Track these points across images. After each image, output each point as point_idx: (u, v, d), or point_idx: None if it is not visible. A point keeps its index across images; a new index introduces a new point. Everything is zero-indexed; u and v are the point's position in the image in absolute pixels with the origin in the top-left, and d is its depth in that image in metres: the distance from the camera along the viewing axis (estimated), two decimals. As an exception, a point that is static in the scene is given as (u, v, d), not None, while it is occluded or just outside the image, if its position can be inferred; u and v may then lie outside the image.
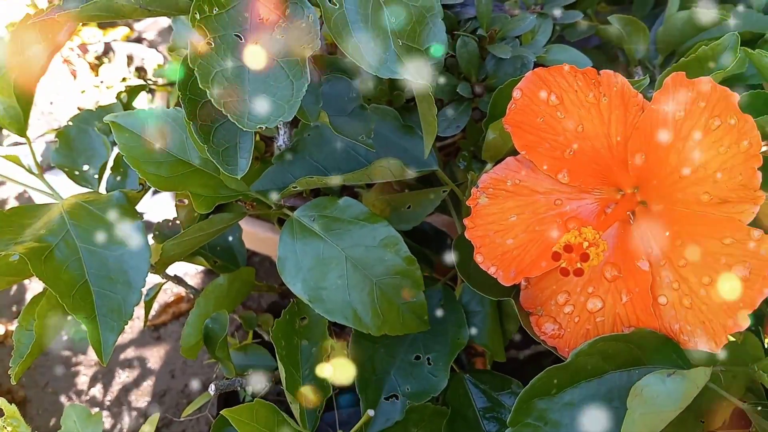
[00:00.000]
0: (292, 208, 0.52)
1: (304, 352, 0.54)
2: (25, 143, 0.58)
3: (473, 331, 0.55)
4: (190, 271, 1.14)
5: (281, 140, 0.53)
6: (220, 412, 0.46)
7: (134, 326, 1.12)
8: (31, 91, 0.56)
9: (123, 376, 1.06)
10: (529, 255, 0.44)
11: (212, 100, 0.37)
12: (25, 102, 0.56)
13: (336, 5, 0.41)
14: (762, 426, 0.41)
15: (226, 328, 0.56)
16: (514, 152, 0.45)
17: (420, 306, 0.51)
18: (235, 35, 0.39)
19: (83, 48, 1.23)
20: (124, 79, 1.22)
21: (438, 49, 0.44)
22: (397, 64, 0.42)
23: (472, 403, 0.54)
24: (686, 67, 0.46)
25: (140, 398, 1.04)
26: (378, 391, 0.53)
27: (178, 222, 0.64)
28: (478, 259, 0.45)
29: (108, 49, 1.27)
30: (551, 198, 0.44)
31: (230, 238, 0.67)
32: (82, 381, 1.06)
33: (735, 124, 0.34)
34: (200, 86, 0.37)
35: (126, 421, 1.02)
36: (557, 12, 0.57)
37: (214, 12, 0.39)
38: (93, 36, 1.28)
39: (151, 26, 1.45)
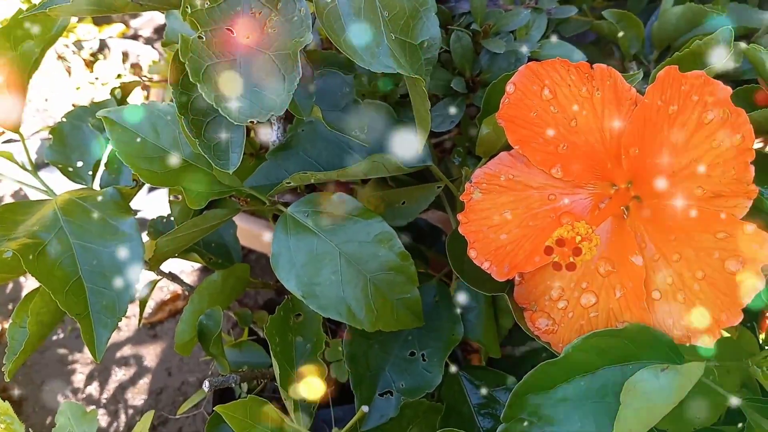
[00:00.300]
0: (286, 204, 0.52)
1: (298, 348, 0.54)
2: (19, 140, 0.58)
3: (468, 327, 0.55)
4: (186, 269, 1.14)
5: (275, 135, 0.52)
6: (214, 409, 0.46)
7: (130, 324, 1.12)
8: (24, 88, 0.56)
9: (119, 374, 1.06)
10: (522, 250, 0.44)
11: (203, 95, 0.36)
12: (18, 98, 0.55)
13: (328, -1, 0.41)
14: (756, 421, 0.41)
15: (220, 324, 0.56)
16: (507, 147, 0.45)
17: (414, 302, 0.50)
18: (227, 29, 0.39)
19: (78, 45, 1.22)
20: (119, 76, 1.22)
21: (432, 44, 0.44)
22: (390, 58, 0.42)
23: (467, 399, 0.54)
24: (680, 62, 0.45)
25: (136, 396, 1.04)
26: (372, 387, 0.53)
27: (172, 219, 0.63)
28: (472, 254, 0.45)
29: (103, 46, 1.26)
30: (545, 193, 0.44)
31: (224, 235, 0.67)
32: (78, 379, 1.06)
33: (728, 118, 0.34)
34: (191, 80, 0.37)
35: (122, 418, 1.02)
36: (552, 7, 0.57)
37: (206, 6, 0.39)
38: (88, 32, 1.28)
39: (147, 23, 1.45)
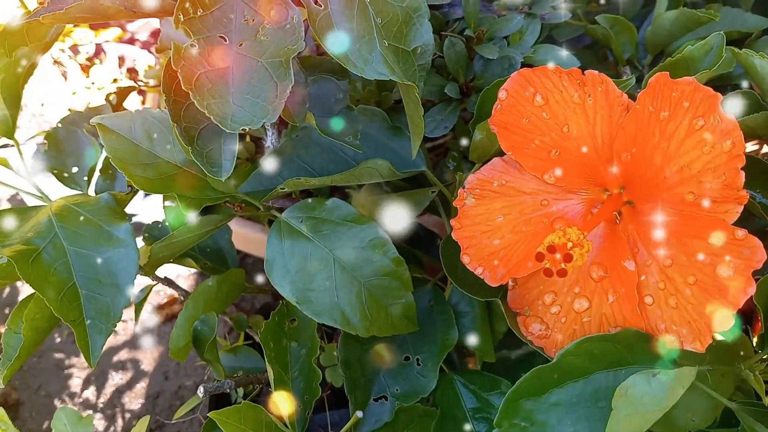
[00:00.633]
0: (281, 210, 0.52)
1: (293, 353, 0.54)
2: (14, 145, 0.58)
3: (462, 331, 0.55)
4: (183, 273, 1.14)
5: (269, 141, 0.52)
6: (208, 414, 0.46)
7: (127, 328, 1.12)
8: (19, 94, 0.56)
9: (116, 379, 1.06)
10: (515, 255, 0.44)
11: (195, 102, 0.37)
12: (12, 104, 0.56)
13: (321, 6, 0.41)
14: (750, 425, 0.41)
15: (215, 330, 0.56)
16: (501, 153, 0.45)
17: (409, 307, 0.51)
18: (220, 37, 0.39)
19: (74, 49, 1.22)
20: (115, 81, 1.21)
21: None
22: (383, 65, 0.42)
23: (462, 404, 0.54)
24: (673, 67, 0.46)
25: (133, 400, 1.04)
26: (367, 392, 0.53)
27: (167, 224, 0.64)
28: (465, 259, 0.45)
29: (99, 51, 1.26)
30: (537, 198, 0.44)
31: (219, 240, 0.67)
32: (75, 383, 1.06)
33: (718, 124, 0.34)
34: (184, 88, 0.37)
35: (119, 423, 1.02)
36: (545, 12, 0.57)
37: (199, 13, 0.39)
38: (84, 37, 1.27)
39: (143, 27, 1.45)
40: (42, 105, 1.27)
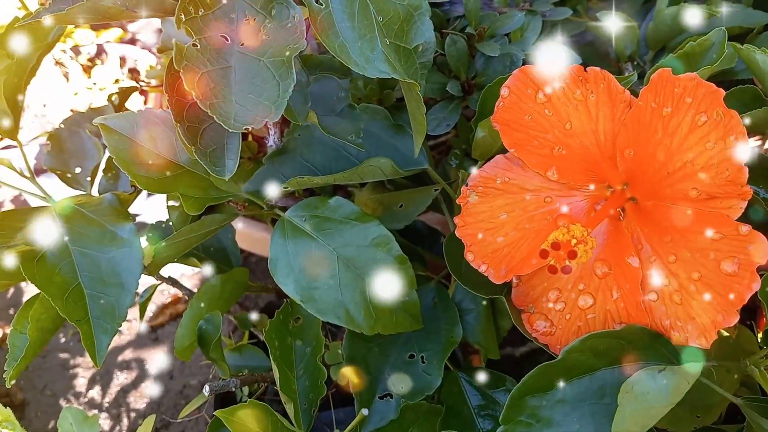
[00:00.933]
0: (284, 209, 0.52)
1: (298, 352, 0.54)
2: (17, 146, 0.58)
3: (467, 328, 0.55)
4: (187, 272, 1.14)
5: (272, 141, 0.53)
6: (214, 413, 0.46)
7: (132, 328, 1.12)
8: (21, 94, 0.56)
9: (121, 378, 1.06)
10: (519, 253, 0.44)
11: (198, 102, 0.37)
12: (15, 105, 0.56)
13: (322, 5, 0.41)
14: (755, 420, 0.41)
15: (220, 329, 0.56)
16: (503, 150, 0.45)
17: (412, 305, 0.51)
18: (221, 36, 0.39)
19: (76, 50, 1.23)
20: (116, 81, 1.22)
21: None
22: (384, 63, 0.42)
23: (467, 401, 0.54)
24: (674, 63, 0.46)
25: (138, 399, 1.04)
26: (372, 389, 0.53)
27: (171, 223, 0.64)
28: (469, 257, 0.45)
29: (101, 51, 1.26)
30: (541, 195, 0.44)
31: (223, 239, 0.67)
32: (80, 383, 1.06)
33: (721, 119, 0.34)
34: (186, 87, 0.37)
35: (124, 422, 1.02)
36: (546, 9, 0.57)
37: (200, 13, 0.39)
38: (86, 37, 1.28)
39: (144, 27, 1.45)
40: (44, 106, 1.28)
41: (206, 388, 0.53)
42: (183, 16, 0.38)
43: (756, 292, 0.35)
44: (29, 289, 1.15)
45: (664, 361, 0.39)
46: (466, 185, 0.46)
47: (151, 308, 1.13)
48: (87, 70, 1.23)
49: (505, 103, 0.43)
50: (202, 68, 0.38)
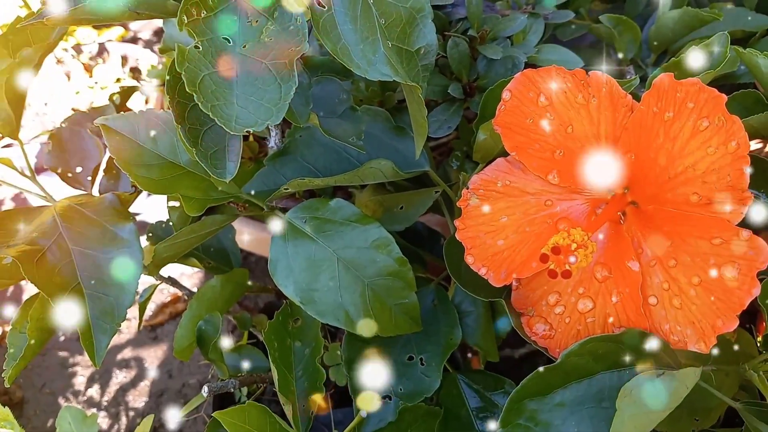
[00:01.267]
0: (285, 210, 0.52)
1: (297, 353, 0.54)
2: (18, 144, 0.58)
3: (466, 331, 0.55)
4: (187, 272, 1.14)
5: (273, 142, 0.53)
6: (212, 414, 0.46)
7: (131, 326, 1.12)
8: (23, 94, 0.56)
9: (120, 377, 1.07)
10: (519, 256, 0.44)
11: (200, 104, 0.37)
12: (16, 104, 0.56)
13: (324, 7, 0.41)
14: (753, 424, 0.41)
15: (219, 329, 0.56)
16: (504, 153, 0.45)
17: (412, 307, 0.51)
18: (223, 38, 0.39)
19: (77, 49, 1.23)
20: (118, 80, 1.22)
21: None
22: (386, 65, 0.42)
23: (466, 403, 0.54)
24: (676, 67, 0.46)
25: (137, 398, 1.04)
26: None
27: (171, 224, 0.64)
28: (469, 260, 0.45)
29: (102, 50, 1.26)
30: (541, 199, 0.44)
31: (223, 240, 0.67)
32: (79, 382, 1.06)
33: (723, 124, 0.34)
34: (188, 90, 0.37)
35: (123, 421, 1.02)
36: (549, 11, 0.57)
37: (202, 15, 0.39)
38: (87, 36, 1.28)
39: (146, 26, 1.45)
40: (45, 104, 1.28)
41: (205, 388, 0.53)
42: (185, 18, 0.38)
43: (756, 298, 0.35)
44: (29, 288, 1.15)
45: (663, 366, 0.39)
46: (467, 188, 0.46)
47: (150, 307, 1.13)
48: (88, 68, 1.23)
49: (506, 106, 0.43)
50: (204, 70, 0.38)
